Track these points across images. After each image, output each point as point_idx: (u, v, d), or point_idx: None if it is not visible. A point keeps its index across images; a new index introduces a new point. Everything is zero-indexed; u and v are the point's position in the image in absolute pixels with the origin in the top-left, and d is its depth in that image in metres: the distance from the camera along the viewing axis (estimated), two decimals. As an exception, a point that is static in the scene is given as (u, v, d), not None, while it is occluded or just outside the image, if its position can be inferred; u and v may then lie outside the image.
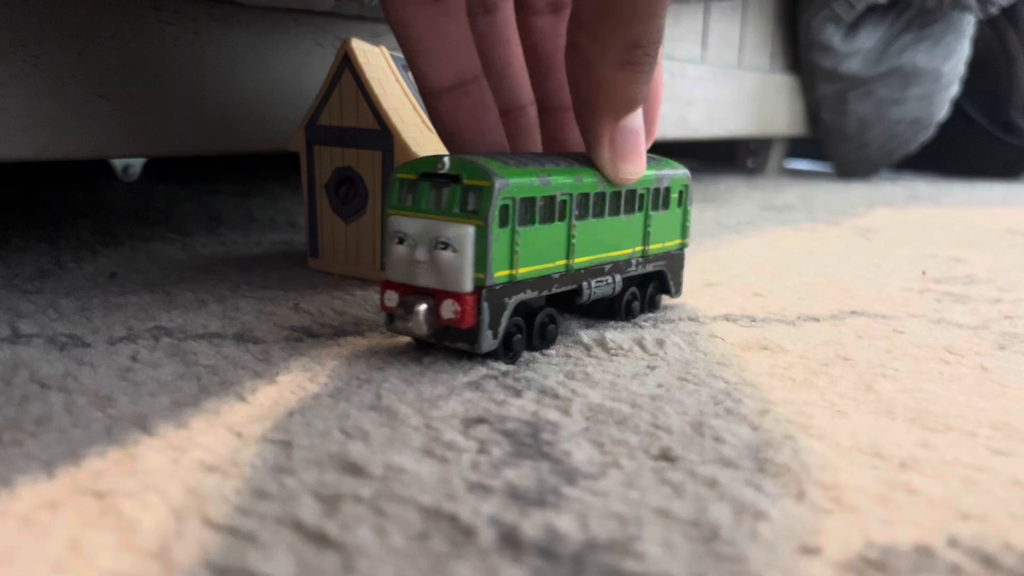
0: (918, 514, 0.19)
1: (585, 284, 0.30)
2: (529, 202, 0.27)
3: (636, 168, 0.30)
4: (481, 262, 0.26)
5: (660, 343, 0.31)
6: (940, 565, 0.17)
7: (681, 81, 0.84)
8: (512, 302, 0.27)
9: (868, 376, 0.28)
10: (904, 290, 0.42)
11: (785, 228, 0.64)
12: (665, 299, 0.37)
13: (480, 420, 0.23)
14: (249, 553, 0.16)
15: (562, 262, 0.29)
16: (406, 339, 0.30)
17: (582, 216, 0.29)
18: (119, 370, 0.26)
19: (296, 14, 0.46)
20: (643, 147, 0.30)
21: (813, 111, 1.12)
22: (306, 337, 0.31)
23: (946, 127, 1.14)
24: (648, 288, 0.35)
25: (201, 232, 0.53)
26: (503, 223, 0.26)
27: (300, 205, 0.66)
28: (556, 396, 0.25)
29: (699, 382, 0.27)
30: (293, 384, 0.26)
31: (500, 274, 0.26)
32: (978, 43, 1.13)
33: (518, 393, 0.25)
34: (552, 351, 0.30)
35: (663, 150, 1.15)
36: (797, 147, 1.30)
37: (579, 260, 0.30)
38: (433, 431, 0.22)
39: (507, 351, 0.28)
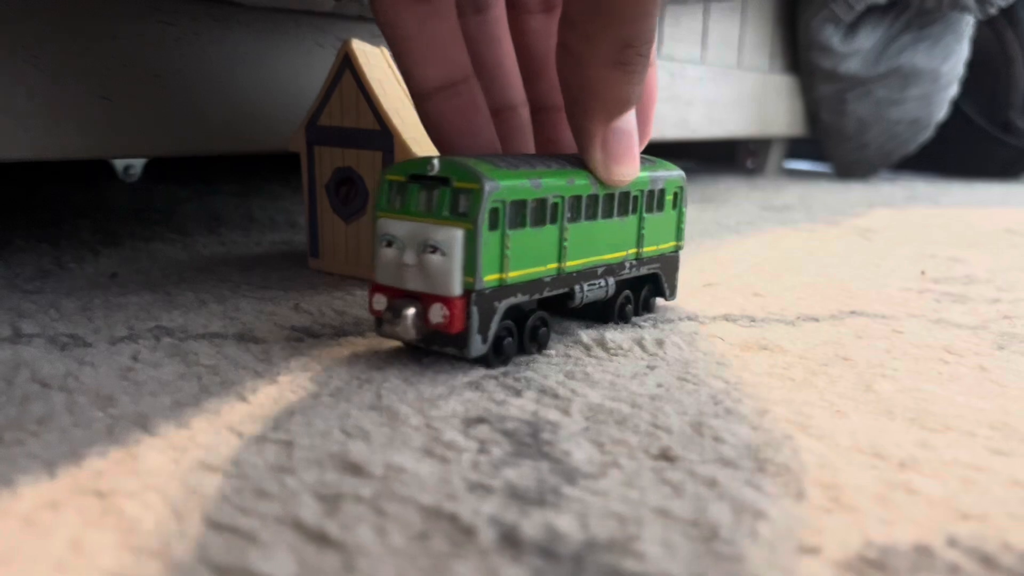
0: (917, 514, 0.19)
1: (577, 287, 0.30)
2: (520, 205, 0.27)
3: (629, 170, 0.30)
4: (470, 266, 0.26)
5: (660, 343, 0.31)
6: (939, 565, 0.17)
7: (681, 81, 0.84)
8: (502, 306, 0.27)
9: (867, 376, 0.28)
10: (903, 290, 0.43)
11: (784, 228, 0.64)
12: (661, 301, 0.37)
13: (480, 420, 0.23)
14: (250, 552, 0.16)
15: (554, 265, 0.29)
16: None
17: (574, 219, 0.29)
18: (120, 370, 0.26)
19: (296, 15, 0.46)
20: (636, 148, 0.30)
21: (812, 111, 1.12)
22: (307, 337, 0.31)
23: (945, 127, 1.14)
24: (642, 291, 0.34)
25: (202, 232, 0.53)
26: (493, 226, 0.26)
27: (300, 205, 0.66)
28: (556, 396, 0.25)
29: (699, 382, 0.27)
30: (293, 384, 0.26)
31: (490, 278, 0.26)
32: (977, 44, 1.13)
33: (518, 393, 0.26)
34: (552, 351, 0.30)
35: (663, 151, 1.15)
36: (796, 147, 1.30)
37: (571, 263, 0.29)
38: (433, 431, 0.22)
39: (497, 355, 0.27)
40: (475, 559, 0.16)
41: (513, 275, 0.27)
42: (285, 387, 0.25)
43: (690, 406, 0.25)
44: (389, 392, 0.25)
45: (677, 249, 0.35)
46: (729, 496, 0.19)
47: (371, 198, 0.38)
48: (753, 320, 0.35)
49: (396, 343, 0.30)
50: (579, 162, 0.29)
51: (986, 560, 0.17)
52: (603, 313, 0.33)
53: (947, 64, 1.08)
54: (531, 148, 0.33)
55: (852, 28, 1.06)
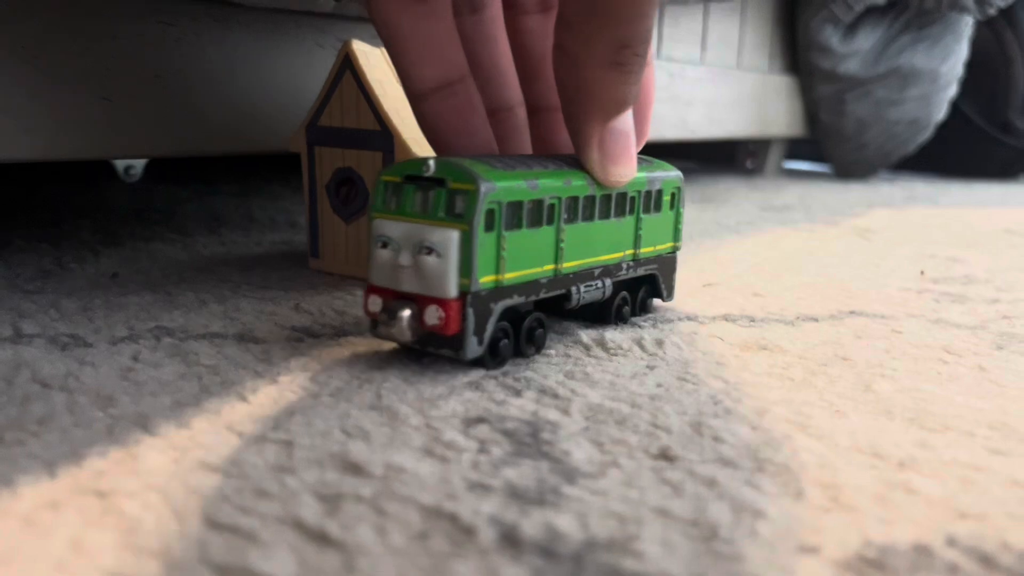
0: (916, 513, 0.19)
1: (574, 289, 0.30)
2: (516, 206, 0.27)
3: (626, 170, 0.29)
4: (466, 267, 0.25)
5: (659, 343, 0.31)
6: (938, 564, 0.17)
7: (680, 82, 0.84)
8: (498, 308, 0.27)
9: (867, 376, 0.28)
10: (902, 290, 0.43)
11: (784, 228, 0.64)
12: (659, 302, 0.36)
13: (480, 420, 0.23)
14: (250, 552, 0.16)
15: (550, 267, 0.28)
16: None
17: (571, 220, 0.29)
18: (121, 370, 0.26)
19: (297, 15, 0.46)
20: (633, 149, 0.29)
21: (811, 112, 1.12)
22: (307, 337, 0.31)
23: (944, 128, 1.14)
24: (639, 292, 0.34)
25: (202, 232, 0.53)
26: (489, 227, 0.26)
27: (300, 205, 0.66)
28: (556, 396, 0.25)
29: (698, 382, 0.27)
30: (294, 384, 0.26)
31: (486, 280, 0.26)
32: (976, 44, 1.13)
33: (518, 393, 0.26)
34: (552, 351, 0.30)
35: (662, 151, 1.15)
36: (796, 148, 1.30)
37: (568, 265, 0.29)
38: (433, 431, 0.22)
39: (493, 357, 0.27)
40: (475, 559, 0.16)
41: (509, 277, 0.27)
42: (285, 387, 0.25)
43: (690, 406, 0.25)
44: (389, 392, 0.25)
45: (674, 250, 0.35)
46: (729, 496, 0.19)
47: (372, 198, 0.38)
48: (753, 320, 0.35)
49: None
50: (576, 163, 0.29)
51: (985, 560, 0.17)
52: (600, 314, 0.33)
53: (946, 64, 1.08)
54: (528, 149, 0.33)
55: (851, 29, 1.06)
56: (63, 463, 0.20)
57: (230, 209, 0.63)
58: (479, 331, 0.26)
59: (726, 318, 0.35)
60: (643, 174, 0.32)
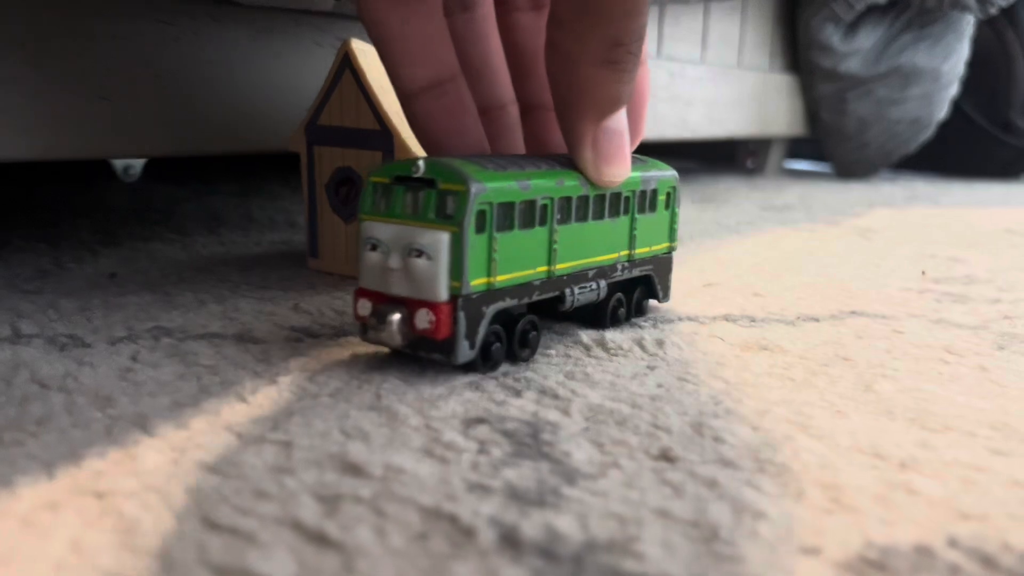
0: (918, 514, 0.19)
1: (568, 291, 0.29)
2: (508, 207, 0.26)
3: (620, 170, 0.29)
4: (457, 270, 0.25)
5: (660, 343, 0.31)
6: (939, 565, 0.17)
7: (680, 81, 0.84)
8: (490, 311, 0.26)
9: (868, 376, 0.28)
10: (903, 290, 0.43)
11: (785, 228, 0.64)
12: (656, 303, 0.36)
13: (480, 420, 0.23)
14: (249, 553, 0.16)
15: (543, 268, 0.28)
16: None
17: (564, 220, 0.28)
18: (119, 370, 0.26)
19: (296, 14, 0.46)
20: (627, 148, 0.29)
21: (812, 111, 1.12)
22: (306, 337, 0.31)
23: (945, 127, 1.14)
24: (635, 293, 0.34)
25: (201, 232, 0.53)
26: (480, 229, 0.25)
27: (300, 205, 0.66)
28: (556, 396, 0.25)
29: (699, 382, 0.27)
30: (293, 384, 0.26)
31: (477, 282, 0.26)
32: (977, 43, 1.13)
33: (518, 393, 0.25)
34: (552, 351, 0.30)
35: (662, 150, 1.15)
36: (796, 147, 1.30)
37: (561, 266, 0.29)
38: (433, 431, 0.22)
39: (485, 361, 0.27)
40: (475, 560, 0.16)
41: (501, 279, 0.26)
42: (284, 387, 0.25)
43: (690, 406, 0.25)
44: (388, 392, 0.25)
45: (670, 250, 0.35)
46: (729, 496, 0.19)
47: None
48: (753, 320, 0.35)
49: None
50: (569, 162, 0.29)
51: (986, 561, 0.17)
52: (595, 316, 0.33)
53: (948, 63, 1.08)
54: (520, 148, 0.33)
55: (852, 27, 1.06)
56: (62, 464, 0.20)
57: (229, 209, 0.63)
58: (471, 335, 0.26)
59: (727, 318, 0.35)
60: (638, 173, 0.31)
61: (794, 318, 0.36)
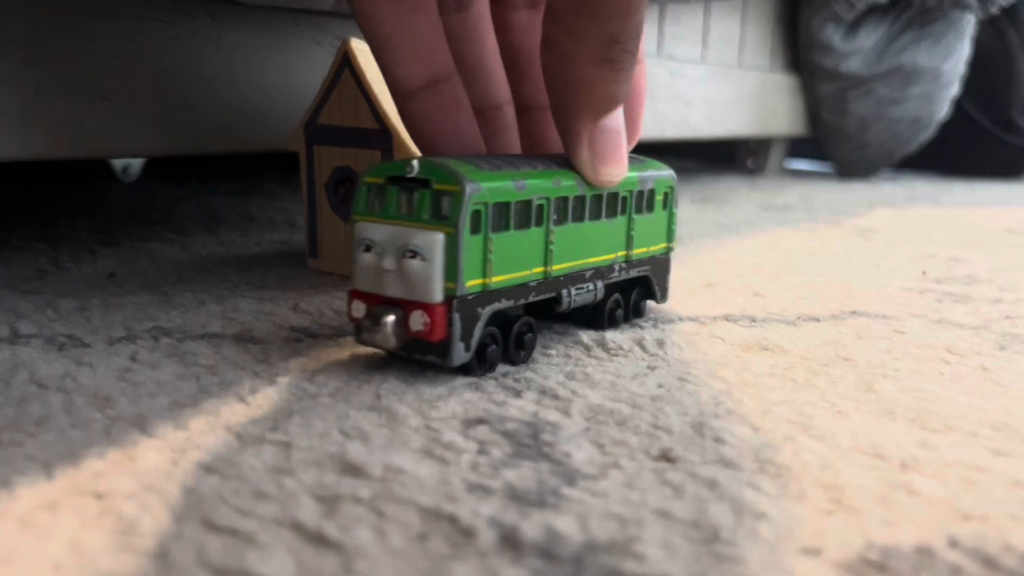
0: (918, 515, 0.19)
1: (565, 292, 0.29)
2: (503, 207, 0.26)
3: (617, 170, 0.29)
4: (452, 271, 0.25)
5: (660, 343, 0.31)
6: (940, 566, 0.17)
7: (681, 81, 0.84)
8: (486, 312, 0.26)
9: (868, 376, 0.28)
10: (904, 290, 0.42)
11: (785, 228, 0.64)
12: (655, 304, 0.36)
13: (480, 421, 0.23)
14: (248, 554, 0.16)
15: (539, 269, 0.28)
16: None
17: (561, 221, 0.28)
18: (118, 370, 0.26)
19: (295, 13, 0.46)
20: (624, 148, 0.29)
21: (813, 111, 1.12)
22: (305, 337, 0.31)
23: (946, 127, 1.14)
24: (632, 294, 0.34)
25: (200, 232, 0.53)
26: (475, 230, 0.25)
27: (299, 205, 0.66)
28: (556, 397, 0.25)
29: (699, 382, 0.27)
30: (292, 384, 0.26)
31: (472, 283, 0.25)
32: (978, 42, 1.13)
33: (518, 394, 0.25)
34: (552, 351, 0.30)
35: (663, 150, 1.15)
36: (797, 147, 1.30)
37: (558, 267, 0.29)
38: (433, 432, 0.22)
39: (481, 363, 0.27)
40: (475, 560, 0.16)
41: (497, 280, 0.26)
42: (284, 388, 0.25)
43: (691, 407, 0.25)
44: (388, 393, 0.25)
45: (668, 251, 0.35)
46: (730, 497, 0.19)
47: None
48: (754, 320, 0.35)
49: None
50: (565, 162, 0.29)
51: (987, 561, 0.17)
52: (592, 318, 0.32)
53: (948, 63, 1.08)
54: (516, 148, 0.33)
55: (853, 27, 1.06)
56: (60, 464, 0.20)
57: (228, 209, 0.63)
58: (466, 337, 0.25)
59: (727, 318, 0.35)
60: (635, 173, 0.31)
61: (795, 318, 0.36)
